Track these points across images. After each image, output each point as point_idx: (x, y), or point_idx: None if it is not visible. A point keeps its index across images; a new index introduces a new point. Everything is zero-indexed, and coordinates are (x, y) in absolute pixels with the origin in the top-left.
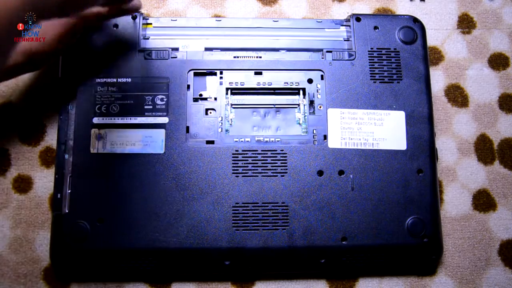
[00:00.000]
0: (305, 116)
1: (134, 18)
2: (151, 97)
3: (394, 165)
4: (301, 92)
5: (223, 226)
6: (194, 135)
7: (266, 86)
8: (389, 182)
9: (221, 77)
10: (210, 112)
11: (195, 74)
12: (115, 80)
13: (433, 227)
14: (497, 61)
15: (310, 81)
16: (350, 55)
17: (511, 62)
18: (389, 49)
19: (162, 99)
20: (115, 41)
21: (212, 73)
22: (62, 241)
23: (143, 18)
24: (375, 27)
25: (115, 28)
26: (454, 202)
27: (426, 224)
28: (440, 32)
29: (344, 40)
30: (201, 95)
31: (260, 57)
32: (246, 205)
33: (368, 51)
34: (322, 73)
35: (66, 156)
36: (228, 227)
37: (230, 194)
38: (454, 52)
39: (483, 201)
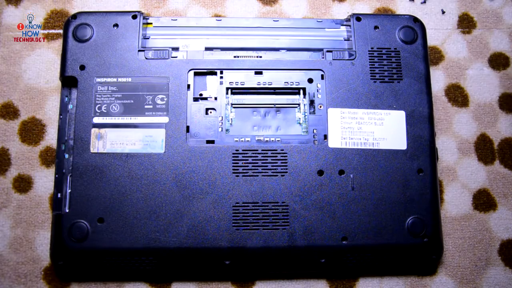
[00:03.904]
0: (305, 115)
1: (134, 17)
2: (151, 97)
3: (394, 165)
4: (301, 91)
5: (223, 225)
6: (194, 134)
7: (266, 85)
8: (389, 182)
9: (221, 77)
10: (210, 112)
11: (195, 74)
12: (115, 80)
13: (433, 227)
14: (497, 61)
15: (310, 80)
16: (350, 54)
17: (511, 62)
18: (390, 48)
19: (162, 99)
20: (115, 40)
21: (212, 72)
22: (62, 241)
23: (144, 18)
24: (376, 27)
25: (115, 28)
26: (454, 202)
27: (426, 224)
28: (440, 32)
29: (345, 40)
30: (201, 94)
31: (261, 56)
32: (246, 204)
33: (369, 50)
34: (323, 73)
35: (66, 156)
36: (228, 226)
37: (230, 194)
38: (454, 52)
39: (484, 201)
